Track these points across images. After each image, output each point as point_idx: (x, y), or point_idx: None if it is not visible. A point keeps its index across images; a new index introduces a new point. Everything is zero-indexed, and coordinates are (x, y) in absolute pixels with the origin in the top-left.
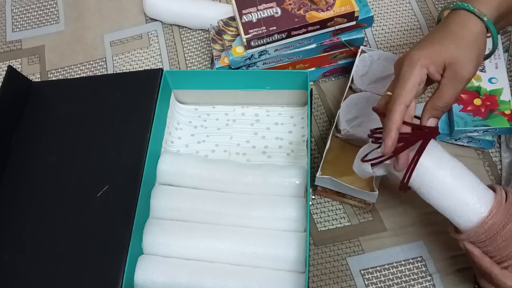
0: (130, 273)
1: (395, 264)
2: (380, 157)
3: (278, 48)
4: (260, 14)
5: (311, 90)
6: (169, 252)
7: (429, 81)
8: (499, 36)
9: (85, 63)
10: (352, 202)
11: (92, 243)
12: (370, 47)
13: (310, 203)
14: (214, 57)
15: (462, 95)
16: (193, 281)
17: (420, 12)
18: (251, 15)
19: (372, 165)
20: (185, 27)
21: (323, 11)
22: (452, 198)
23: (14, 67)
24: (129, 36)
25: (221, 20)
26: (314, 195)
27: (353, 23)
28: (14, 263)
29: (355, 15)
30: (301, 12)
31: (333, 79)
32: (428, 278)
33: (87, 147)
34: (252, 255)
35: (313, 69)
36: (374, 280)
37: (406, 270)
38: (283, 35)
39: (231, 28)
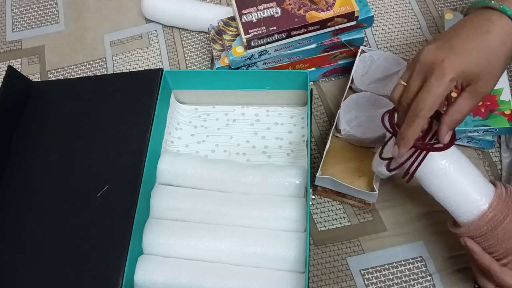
0: (130, 273)
1: (395, 264)
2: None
3: (278, 48)
4: (260, 14)
5: (311, 90)
6: (169, 252)
7: None
8: None
9: (85, 63)
10: (352, 202)
11: (92, 243)
12: (370, 47)
13: (310, 203)
14: (214, 57)
15: None
16: (193, 281)
17: (420, 12)
18: (251, 15)
19: (390, 169)
20: (184, 29)
21: (323, 11)
22: (453, 187)
23: (14, 67)
24: (129, 36)
25: (221, 20)
26: (314, 195)
27: (353, 23)
28: (14, 263)
29: (355, 15)
30: (301, 12)
31: (333, 79)
32: (428, 278)
33: (87, 147)
34: (252, 255)
35: (313, 69)
36: (374, 280)
37: (406, 270)
38: (283, 35)
39: (231, 28)
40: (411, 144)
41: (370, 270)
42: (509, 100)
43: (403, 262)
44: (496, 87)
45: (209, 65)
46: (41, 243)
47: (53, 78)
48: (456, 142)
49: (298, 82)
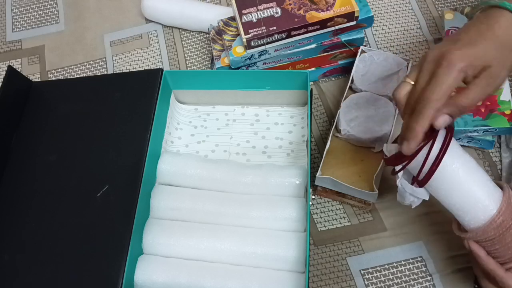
0: (130, 273)
1: (395, 264)
2: (401, 159)
3: (278, 48)
4: (260, 14)
5: (311, 90)
6: (169, 252)
7: None
8: None
9: (85, 63)
10: (352, 202)
11: (92, 243)
12: (370, 47)
13: (310, 203)
14: (214, 57)
15: None
16: (193, 281)
17: (420, 12)
18: (251, 15)
19: (396, 172)
20: (184, 29)
21: (323, 11)
22: (463, 192)
23: (14, 67)
24: (129, 36)
25: (221, 20)
26: (314, 195)
27: (353, 23)
28: (14, 263)
29: (355, 15)
30: (301, 12)
31: (333, 79)
32: (428, 278)
33: (87, 147)
34: (252, 255)
35: (313, 69)
36: (374, 280)
37: (406, 270)
38: (283, 35)
39: (231, 28)
40: (421, 138)
41: (370, 270)
42: (509, 100)
43: (403, 262)
44: None
45: (209, 65)
46: (41, 243)
47: (53, 78)
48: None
49: (298, 82)
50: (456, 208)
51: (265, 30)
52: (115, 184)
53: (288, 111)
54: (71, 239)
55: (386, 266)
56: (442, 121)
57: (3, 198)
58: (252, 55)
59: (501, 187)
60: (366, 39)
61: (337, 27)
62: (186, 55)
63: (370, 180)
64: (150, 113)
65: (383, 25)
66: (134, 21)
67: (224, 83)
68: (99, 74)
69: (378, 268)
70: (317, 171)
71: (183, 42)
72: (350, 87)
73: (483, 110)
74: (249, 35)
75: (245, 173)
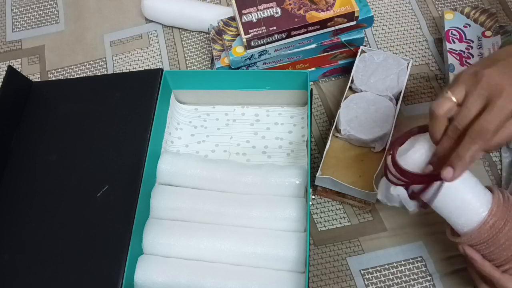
0: (130, 273)
1: (395, 264)
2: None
3: (278, 48)
4: (260, 14)
5: (311, 90)
6: (169, 252)
7: None
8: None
9: (85, 63)
10: (352, 202)
11: (92, 243)
12: (370, 47)
13: (310, 203)
14: (214, 57)
15: None
16: (193, 281)
17: (420, 12)
18: (251, 15)
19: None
20: (184, 29)
21: (323, 11)
22: (454, 197)
23: (14, 67)
24: (129, 36)
25: (221, 20)
26: (314, 195)
27: (353, 23)
28: (14, 263)
29: (355, 15)
30: (301, 12)
31: (333, 79)
32: (428, 278)
33: (87, 147)
34: (252, 255)
35: (313, 69)
36: (374, 280)
37: (406, 270)
38: (283, 35)
39: (231, 28)
40: (467, 167)
41: (370, 270)
42: None
43: (403, 262)
44: None
45: (209, 65)
46: (41, 243)
47: (53, 78)
48: None
49: (298, 82)
50: (448, 213)
51: (265, 30)
52: (115, 184)
53: (288, 111)
54: (71, 239)
55: (386, 266)
56: (469, 158)
57: (3, 198)
58: (252, 55)
59: (490, 190)
60: (366, 39)
61: (337, 27)
62: (186, 55)
63: (370, 180)
64: (150, 113)
65: (383, 25)
66: (134, 21)
67: (224, 83)
68: (99, 74)
69: (378, 268)
70: (317, 171)
71: (183, 42)
72: (350, 87)
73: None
74: (249, 35)
75: (245, 173)
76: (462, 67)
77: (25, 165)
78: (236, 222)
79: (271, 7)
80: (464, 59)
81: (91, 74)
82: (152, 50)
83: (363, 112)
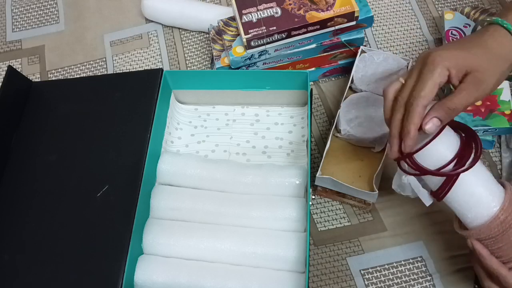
0: (130, 273)
1: (395, 264)
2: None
3: (278, 48)
4: (260, 14)
5: (311, 90)
6: (169, 252)
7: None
8: None
9: (85, 63)
10: (352, 202)
11: (92, 243)
12: (370, 47)
13: (310, 203)
14: (214, 57)
15: None
16: (193, 281)
17: (420, 12)
18: (251, 15)
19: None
20: (184, 29)
21: (323, 11)
22: (466, 190)
23: (14, 67)
24: (129, 36)
25: (221, 20)
26: (314, 195)
27: (353, 23)
28: (14, 263)
29: (355, 15)
30: (301, 12)
31: (333, 79)
32: (428, 278)
33: (87, 147)
34: (252, 255)
35: (313, 69)
36: (374, 280)
37: (406, 270)
38: (283, 35)
39: (231, 28)
40: (413, 135)
41: (370, 270)
42: (509, 100)
43: (403, 262)
44: None
45: (209, 65)
46: (41, 243)
47: (53, 78)
48: None
49: (298, 82)
50: (458, 205)
51: (265, 30)
52: (115, 184)
53: (288, 111)
54: (71, 239)
55: (386, 266)
56: (431, 124)
57: (3, 198)
58: (252, 55)
59: (503, 185)
60: (366, 39)
61: (337, 27)
62: (186, 55)
63: (370, 180)
64: (150, 113)
65: (383, 25)
66: (134, 21)
67: (224, 83)
68: (99, 74)
69: (378, 268)
70: (317, 171)
71: (183, 42)
72: (350, 87)
73: (483, 110)
74: (249, 35)
75: (245, 173)
76: None
77: (25, 165)
78: (236, 222)
79: (271, 7)
80: None
81: (91, 74)
82: (152, 50)
83: (363, 112)
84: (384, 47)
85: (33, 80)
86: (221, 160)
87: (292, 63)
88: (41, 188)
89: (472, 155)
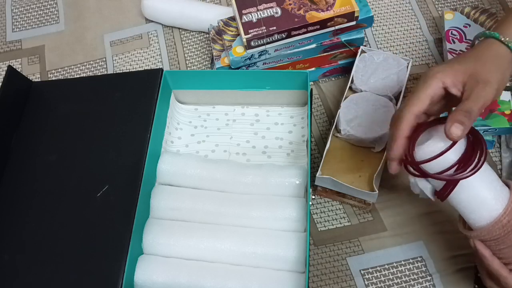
0: (130, 273)
1: (395, 264)
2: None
3: (278, 48)
4: (260, 14)
5: (311, 90)
6: (169, 252)
7: (453, 100)
8: None
9: (85, 63)
10: (352, 202)
11: (92, 243)
12: (370, 47)
13: (310, 203)
14: (214, 57)
15: None
16: (193, 281)
17: (420, 12)
18: (251, 15)
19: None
20: (184, 29)
21: (323, 11)
22: (470, 191)
23: (14, 67)
24: (129, 36)
25: (221, 20)
26: (314, 195)
27: (353, 23)
28: (14, 263)
29: (355, 15)
30: (301, 12)
31: (333, 79)
32: (428, 278)
33: (87, 147)
34: (252, 255)
35: (313, 69)
36: (374, 280)
37: (406, 270)
38: (283, 35)
39: (231, 28)
40: (400, 144)
41: (370, 270)
42: (509, 100)
43: (403, 262)
44: None
45: (209, 65)
46: (41, 243)
47: (53, 78)
48: None
49: (298, 82)
50: (462, 206)
51: (265, 30)
52: (115, 184)
53: (288, 111)
54: (71, 239)
55: (386, 266)
56: (454, 127)
57: (3, 198)
58: (252, 55)
59: (508, 186)
60: (366, 39)
61: (337, 27)
62: (186, 55)
63: (370, 180)
64: (150, 113)
65: (383, 25)
66: (134, 21)
67: (224, 83)
68: (99, 74)
69: (378, 268)
70: (317, 171)
71: (183, 42)
72: (350, 87)
73: (483, 110)
74: (249, 35)
75: (245, 173)
76: None
77: (25, 165)
78: (236, 222)
79: (271, 7)
80: None
81: (91, 74)
82: (152, 50)
83: (363, 112)
84: (384, 47)
85: (33, 80)
86: (221, 160)
87: (292, 63)
88: (41, 188)
89: (474, 162)
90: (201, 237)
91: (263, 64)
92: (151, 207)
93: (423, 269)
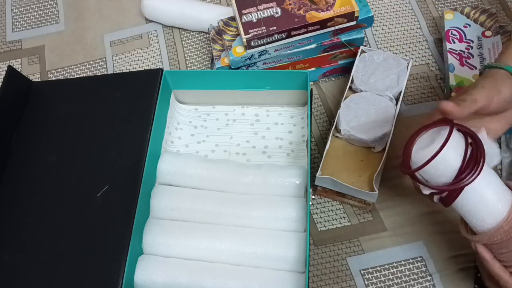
0: (130, 273)
1: (395, 264)
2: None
3: (278, 48)
4: (260, 14)
5: (311, 90)
6: (169, 252)
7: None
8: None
9: (85, 63)
10: (352, 202)
11: (92, 243)
12: (370, 47)
13: (310, 203)
14: (214, 57)
15: None
16: (193, 281)
17: (420, 12)
18: (251, 15)
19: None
20: (184, 29)
21: (323, 11)
22: (473, 197)
23: (14, 67)
24: (129, 36)
25: (221, 20)
26: (314, 195)
27: (353, 23)
28: (14, 263)
29: (355, 15)
30: (301, 12)
31: (333, 79)
32: (428, 278)
33: (87, 147)
34: (252, 255)
35: (313, 69)
36: (374, 280)
37: (406, 270)
38: (283, 35)
39: (231, 28)
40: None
41: (370, 270)
42: None
43: (403, 262)
44: None
45: (209, 65)
46: (41, 243)
47: (53, 78)
48: None
49: (298, 82)
50: (465, 210)
51: (265, 30)
52: (115, 184)
53: (288, 111)
54: (71, 239)
55: (386, 266)
56: (446, 102)
57: (3, 198)
58: (252, 55)
59: (510, 188)
60: (366, 39)
61: (337, 27)
62: (186, 55)
63: (370, 180)
64: (150, 113)
65: (383, 25)
66: (134, 21)
67: (224, 83)
68: (99, 74)
69: (378, 268)
70: (317, 171)
71: (183, 42)
72: (350, 87)
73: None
74: (249, 35)
75: (245, 173)
76: (462, 67)
77: (25, 165)
78: (236, 222)
79: (271, 7)
80: (464, 59)
81: (91, 74)
82: (152, 50)
83: (363, 112)
84: (384, 47)
85: (33, 80)
86: (221, 160)
87: (292, 63)
88: (41, 188)
89: (472, 171)
90: (201, 237)
91: (263, 64)
92: (151, 207)
93: (423, 269)
